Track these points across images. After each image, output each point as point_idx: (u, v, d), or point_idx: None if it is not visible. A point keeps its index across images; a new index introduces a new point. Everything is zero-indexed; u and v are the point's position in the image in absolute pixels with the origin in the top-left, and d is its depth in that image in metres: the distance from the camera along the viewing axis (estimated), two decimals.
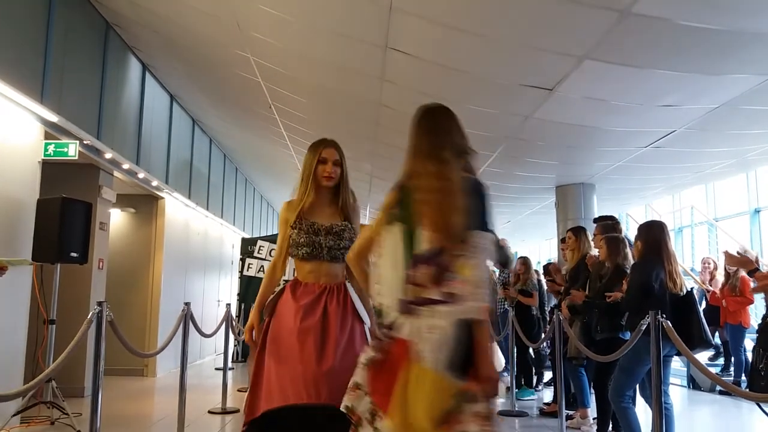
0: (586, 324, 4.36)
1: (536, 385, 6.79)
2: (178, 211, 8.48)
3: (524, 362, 6.54)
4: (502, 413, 5.32)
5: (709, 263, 7.68)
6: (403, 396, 1.78)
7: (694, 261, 10.57)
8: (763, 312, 3.37)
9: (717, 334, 7.12)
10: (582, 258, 4.97)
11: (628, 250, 4.33)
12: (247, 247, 10.18)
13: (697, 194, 11.21)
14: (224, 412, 5.39)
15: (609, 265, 4.26)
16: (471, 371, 1.80)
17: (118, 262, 7.35)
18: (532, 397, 6.32)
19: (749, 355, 6.65)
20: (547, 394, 6.55)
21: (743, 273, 6.44)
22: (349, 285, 2.55)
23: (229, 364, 6.64)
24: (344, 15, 4.59)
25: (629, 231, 9.98)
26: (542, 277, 6.61)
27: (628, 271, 3.99)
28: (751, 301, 6.76)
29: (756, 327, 6.90)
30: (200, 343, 9.39)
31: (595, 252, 4.87)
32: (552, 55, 4.45)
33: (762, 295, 4.02)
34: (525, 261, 6.69)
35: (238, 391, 6.70)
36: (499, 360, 2.35)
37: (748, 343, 6.94)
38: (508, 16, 4.06)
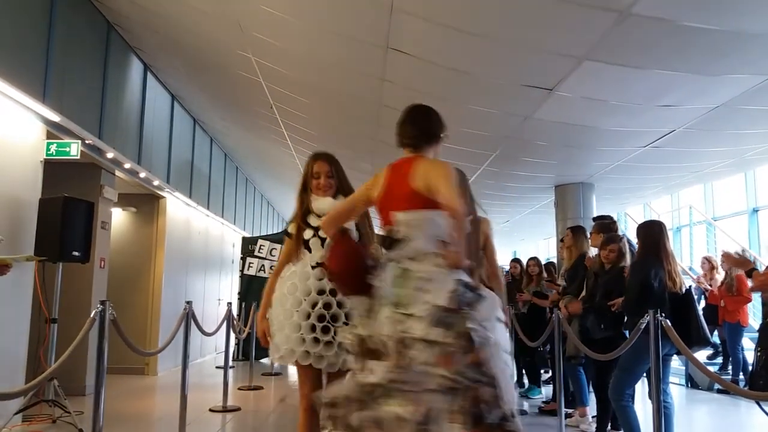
0: (583, 324, 4.38)
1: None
2: (179, 210, 8.51)
3: (532, 362, 6.55)
4: None
5: (704, 263, 7.71)
6: None
7: (693, 260, 10.61)
8: (762, 311, 3.40)
9: (716, 332, 7.15)
10: (579, 257, 4.98)
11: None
12: (248, 246, 10.20)
13: (696, 194, 11.24)
14: (225, 410, 5.42)
15: (623, 264, 4.27)
16: None
17: (119, 261, 7.37)
18: (540, 396, 6.32)
19: (747, 354, 6.69)
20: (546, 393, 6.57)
21: (740, 272, 6.46)
22: None
23: (230, 363, 6.66)
24: (345, 15, 4.61)
25: (628, 230, 10.02)
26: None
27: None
28: (749, 300, 6.78)
29: (754, 326, 6.96)
30: (201, 342, 9.42)
31: (593, 252, 4.89)
32: (552, 56, 4.47)
33: (760, 295, 4.03)
34: (537, 262, 6.59)
35: (239, 389, 6.73)
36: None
37: (746, 342, 6.97)
38: (508, 17, 4.09)
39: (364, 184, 2.40)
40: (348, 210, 2.43)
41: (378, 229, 2.51)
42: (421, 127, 2.32)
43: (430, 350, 1.91)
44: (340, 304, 2.59)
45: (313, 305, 2.58)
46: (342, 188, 2.78)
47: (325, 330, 2.56)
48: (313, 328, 2.56)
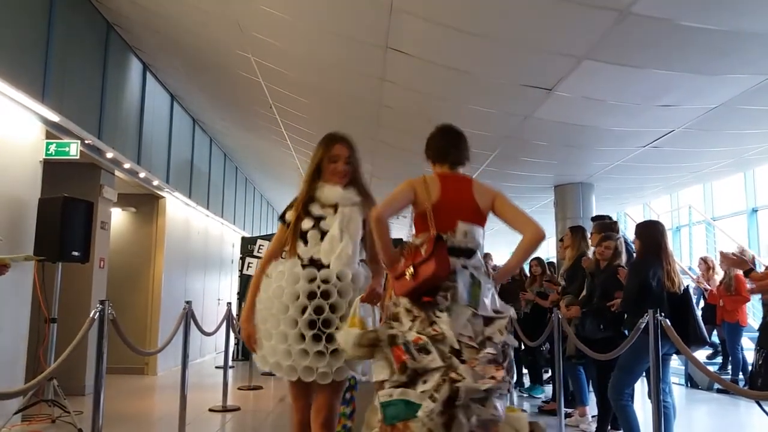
0: (582, 325, 4.38)
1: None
2: (178, 210, 8.51)
3: (534, 361, 6.54)
4: None
5: (700, 264, 7.71)
6: None
7: (692, 260, 10.62)
8: (762, 311, 3.40)
9: (715, 332, 7.15)
10: (579, 257, 4.98)
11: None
12: (247, 246, 10.20)
13: (695, 193, 11.25)
14: (225, 410, 5.42)
15: (617, 262, 4.28)
16: None
17: (119, 261, 7.37)
18: (542, 395, 6.31)
19: (746, 354, 6.70)
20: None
21: (738, 272, 6.46)
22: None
23: (230, 363, 6.66)
24: (345, 15, 4.61)
25: (627, 230, 10.03)
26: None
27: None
28: (747, 300, 6.79)
29: (754, 326, 6.96)
30: (200, 342, 9.42)
31: (591, 252, 4.89)
32: (551, 55, 4.47)
33: (759, 295, 4.03)
34: (540, 262, 6.53)
35: (239, 389, 6.73)
36: None
37: (746, 342, 6.98)
38: (507, 16, 4.09)
39: (406, 184, 2.37)
40: (399, 207, 2.37)
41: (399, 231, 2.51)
42: (463, 150, 2.51)
43: (505, 354, 2.18)
44: (333, 308, 2.32)
45: (303, 311, 2.29)
46: (356, 179, 2.54)
47: (316, 338, 2.28)
48: (302, 338, 2.28)
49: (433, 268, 2.15)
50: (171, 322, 4.55)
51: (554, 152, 7.03)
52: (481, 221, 2.39)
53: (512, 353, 2.26)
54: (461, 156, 2.50)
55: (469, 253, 2.30)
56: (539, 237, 2.32)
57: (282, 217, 2.53)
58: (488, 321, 2.20)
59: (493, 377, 2.05)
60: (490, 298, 2.26)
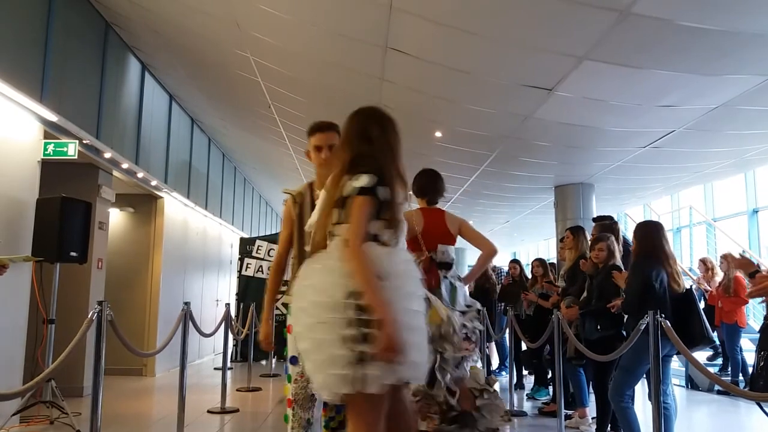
0: (581, 326, 4.37)
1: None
2: (177, 210, 8.48)
3: (539, 364, 6.49)
4: None
5: (700, 265, 7.70)
6: None
7: (693, 261, 10.61)
8: (764, 312, 3.38)
9: (715, 333, 7.14)
10: (579, 258, 4.95)
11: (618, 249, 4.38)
12: (246, 247, 10.18)
13: (696, 194, 11.24)
14: (223, 411, 5.39)
15: (613, 262, 4.27)
16: None
17: (117, 262, 7.34)
18: (547, 397, 6.26)
19: (745, 355, 6.68)
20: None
21: (737, 273, 6.44)
22: None
23: (228, 364, 6.64)
24: (344, 15, 4.60)
25: (628, 231, 10.02)
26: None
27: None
28: (746, 302, 6.76)
29: (754, 327, 6.94)
30: (199, 343, 9.39)
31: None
32: (552, 55, 4.46)
33: (761, 299, 4.01)
34: (542, 263, 6.45)
35: (237, 390, 6.70)
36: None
37: (746, 343, 6.97)
38: (508, 16, 4.08)
39: None
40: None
41: None
42: (439, 189, 3.47)
43: (474, 334, 3.14)
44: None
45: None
46: None
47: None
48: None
49: (428, 281, 2.91)
50: (169, 323, 4.53)
51: (554, 152, 7.02)
52: (452, 242, 3.32)
53: (479, 333, 3.19)
54: (436, 195, 3.46)
55: (447, 266, 3.20)
56: (493, 252, 3.39)
57: (372, 191, 1.91)
58: (462, 313, 3.10)
59: (466, 348, 2.98)
60: (462, 297, 3.20)
